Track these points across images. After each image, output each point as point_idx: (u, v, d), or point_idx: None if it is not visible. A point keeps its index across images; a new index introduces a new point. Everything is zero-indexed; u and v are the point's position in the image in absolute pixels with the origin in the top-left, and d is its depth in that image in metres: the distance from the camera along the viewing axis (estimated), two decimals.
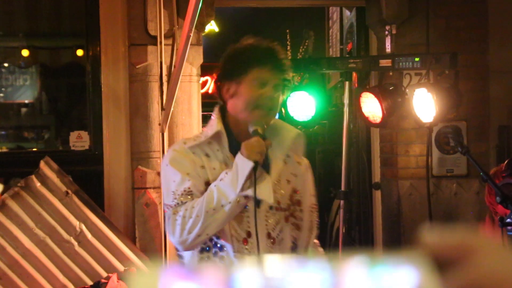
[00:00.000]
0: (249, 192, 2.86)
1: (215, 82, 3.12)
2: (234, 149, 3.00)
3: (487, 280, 0.74)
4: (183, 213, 2.93)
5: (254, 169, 2.84)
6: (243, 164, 2.87)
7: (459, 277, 0.74)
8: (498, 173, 4.14)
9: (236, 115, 3.02)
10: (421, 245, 0.78)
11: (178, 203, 2.96)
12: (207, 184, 2.97)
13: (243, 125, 2.98)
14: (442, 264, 0.76)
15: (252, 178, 2.86)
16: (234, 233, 2.99)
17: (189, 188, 2.95)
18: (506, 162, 4.07)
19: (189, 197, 2.95)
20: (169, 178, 3.01)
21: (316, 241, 3.29)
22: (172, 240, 3.00)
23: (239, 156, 2.90)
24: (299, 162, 3.16)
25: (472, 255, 0.76)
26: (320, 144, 8.07)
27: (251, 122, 2.95)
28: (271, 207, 3.02)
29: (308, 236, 3.21)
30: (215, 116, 3.07)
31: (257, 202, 2.99)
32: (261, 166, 2.98)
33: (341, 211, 5.32)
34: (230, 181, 2.88)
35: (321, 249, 3.34)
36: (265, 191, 2.91)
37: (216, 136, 3.02)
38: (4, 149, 7.73)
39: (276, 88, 2.97)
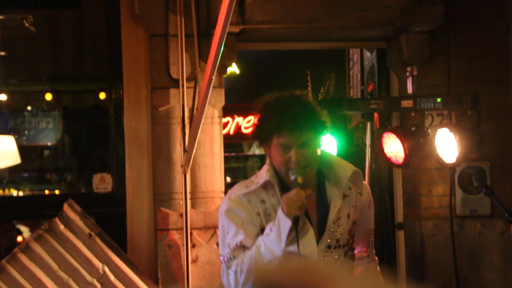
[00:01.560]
0: (293, 248, 2.90)
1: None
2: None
3: None
4: (235, 268, 3.01)
5: (295, 225, 2.86)
6: (283, 222, 2.90)
7: None
8: None
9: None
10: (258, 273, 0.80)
11: (230, 258, 3.00)
12: (263, 230, 3.01)
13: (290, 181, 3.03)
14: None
15: (294, 234, 2.88)
16: None
17: (241, 242, 3.00)
18: None
19: (241, 250, 2.99)
20: (224, 229, 3.06)
21: (375, 258, 3.39)
22: None
23: (280, 211, 2.93)
24: (361, 193, 3.20)
25: (316, 283, 0.76)
26: None
27: (291, 170, 2.98)
28: (329, 246, 3.04)
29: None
30: (266, 165, 3.12)
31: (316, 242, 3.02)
32: (319, 207, 3.01)
33: None
34: (275, 237, 2.92)
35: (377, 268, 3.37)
36: (309, 246, 2.95)
37: (267, 185, 3.06)
38: (28, 192, 7.80)
39: (303, 146, 3.00)
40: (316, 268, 0.78)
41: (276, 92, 3.12)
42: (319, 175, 3.10)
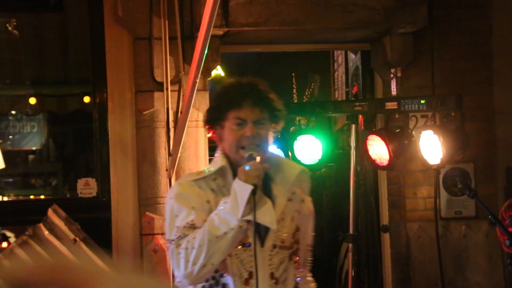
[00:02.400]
0: (250, 216, 2.87)
1: (207, 128, 3.18)
2: None
3: None
4: (185, 245, 2.93)
5: (253, 193, 2.84)
6: (241, 189, 2.88)
7: None
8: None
9: (230, 156, 3.05)
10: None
11: (180, 236, 2.95)
12: None
13: (240, 163, 3.00)
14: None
15: (252, 203, 2.86)
16: (237, 272, 2.99)
17: (192, 221, 2.96)
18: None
19: (192, 229, 2.95)
20: (174, 213, 3.02)
21: (310, 278, 3.29)
22: (177, 274, 2.99)
23: (236, 181, 2.91)
24: (303, 200, 3.18)
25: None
26: (327, 187, 8.06)
27: (246, 147, 2.97)
28: (275, 246, 3.03)
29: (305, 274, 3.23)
30: (219, 153, 3.10)
31: (261, 241, 2.99)
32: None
33: (350, 254, 5.29)
34: (231, 207, 2.88)
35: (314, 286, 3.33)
36: (267, 215, 2.92)
37: (220, 172, 3.05)
38: (12, 197, 7.75)
39: (258, 124, 3.00)
40: (73, 266, 0.76)
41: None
42: (264, 176, 3.05)
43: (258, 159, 2.93)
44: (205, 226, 2.92)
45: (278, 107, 3.09)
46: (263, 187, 3.05)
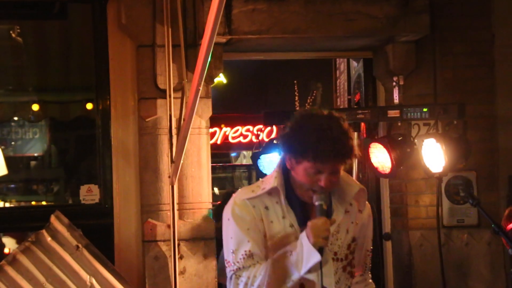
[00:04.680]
0: (312, 277, 2.94)
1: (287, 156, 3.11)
2: (292, 203, 3.05)
3: None
4: (245, 280, 3.00)
5: (320, 253, 2.88)
6: (309, 252, 2.91)
7: None
8: None
9: (294, 185, 3.06)
10: None
11: (240, 268, 3.00)
12: (265, 236, 3.02)
13: (306, 199, 3.03)
14: None
15: (318, 264, 2.90)
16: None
17: (249, 251, 3.01)
18: None
19: (251, 260, 3.01)
20: (229, 234, 3.05)
21: (370, 280, 3.36)
22: None
23: (304, 238, 2.93)
24: (361, 211, 3.19)
25: None
26: None
27: (316, 195, 2.98)
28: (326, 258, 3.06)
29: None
30: (275, 171, 3.10)
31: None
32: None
33: None
34: (296, 261, 2.93)
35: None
36: (327, 276, 2.98)
37: (272, 191, 3.07)
38: (14, 203, 7.75)
39: (334, 173, 2.98)
40: None
41: (312, 108, 3.12)
42: None
43: (325, 219, 2.94)
44: (268, 268, 2.97)
45: (355, 146, 3.02)
46: None
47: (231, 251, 3.04)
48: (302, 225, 3.02)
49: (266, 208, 3.06)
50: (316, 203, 2.97)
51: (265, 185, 3.10)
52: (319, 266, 2.91)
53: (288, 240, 3.02)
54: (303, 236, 2.94)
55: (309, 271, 2.93)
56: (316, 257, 2.89)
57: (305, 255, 2.91)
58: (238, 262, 3.02)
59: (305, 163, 2.98)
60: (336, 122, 3.00)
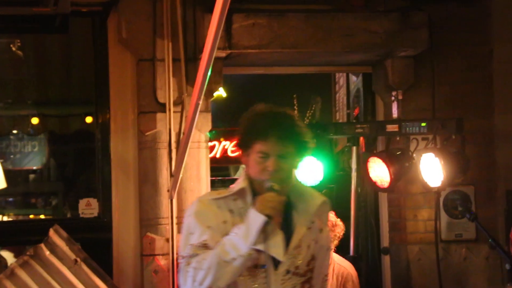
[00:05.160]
0: (260, 246, 2.89)
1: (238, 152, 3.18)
2: None
3: None
4: (195, 264, 2.96)
5: (266, 223, 2.87)
6: (255, 218, 2.90)
7: None
8: None
9: (253, 181, 3.07)
10: None
11: (191, 255, 2.98)
12: None
13: (261, 192, 3.02)
14: None
15: (265, 233, 2.88)
16: None
17: (205, 240, 2.98)
18: None
19: (204, 249, 2.97)
20: (189, 230, 3.04)
21: None
22: None
23: (252, 210, 2.93)
24: (321, 230, 3.18)
25: None
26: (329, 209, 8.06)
27: (267, 179, 2.99)
28: (288, 271, 3.04)
29: None
30: (242, 175, 3.13)
31: (275, 264, 3.01)
32: (283, 228, 3.01)
33: None
34: (243, 234, 2.91)
35: None
36: (276, 246, 2.95)
37: (240, 193, 3.07)
38: (13, 216, 7.75)
39: (282, 157, 3.00)
40: None
41: (264, 104, 3.15)
42: (286, 203, 3.07)
43: (274, 194, 2.95)
44: (216, 249, 2.94)
45: (305, 139, 3.06)
46: (285, 214, 3.06)
47: (189, 244, 3.00)
48: None
49: (231, 211, 3.05)
50: (267, 186, 2.96)
51: (232, 188, 3.11)
52: (267, 237, 2.87)
53: None
54: (251, 209, 2.95)
55: (257, 243, 2.88)
56: (260, 219, 2.87)
57: (250, 223, 2.90)
58: (191, 250, 2.99)
59: (253, 150, 3.01)
60: (285, 111, 3.06)
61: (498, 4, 6.12)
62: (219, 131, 7.95)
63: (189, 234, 3.04)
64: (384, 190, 5.61)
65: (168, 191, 5.61)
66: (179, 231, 5.65)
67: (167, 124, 5.67)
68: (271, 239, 2.92)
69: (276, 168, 2.98)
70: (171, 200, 5.60)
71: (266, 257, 2.99)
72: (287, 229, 3.06)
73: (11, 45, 6.58)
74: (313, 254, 3.13)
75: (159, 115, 5.70)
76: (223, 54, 5.67)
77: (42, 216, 8.38)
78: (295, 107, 8.60)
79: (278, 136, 3.00)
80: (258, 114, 3.09)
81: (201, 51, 5.28)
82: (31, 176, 8.81)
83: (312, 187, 5.65)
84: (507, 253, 3.76)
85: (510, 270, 3.70)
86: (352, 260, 5.35)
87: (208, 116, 5.80)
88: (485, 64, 6.12)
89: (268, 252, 2.92)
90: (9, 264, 5.77)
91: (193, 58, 5.71)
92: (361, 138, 6.12)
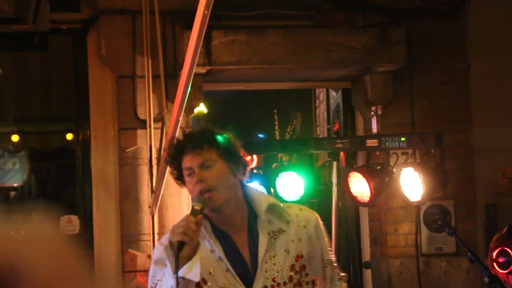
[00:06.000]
0: (181, 272, 2.77)
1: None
2: (218, 235, 2.98)
3: None
4: None
5: (179, 250, 2.73)
6: (168, 249, 2.81)
7: None
8: (500, 237, 4.05)
9: None
10: None
11: None
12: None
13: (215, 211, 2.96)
14: None
15: (186, 258, 2.77)
16: None
17: (159, 279, 2.91)
18: (508, 226, 4.02)
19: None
20: (151, 276, 2.99)
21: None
22: None
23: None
24: (304, 225, 3.07)
25: None
26: None
27: (192, 200, 2.92)
28: (265, 287, 2.93)
29: None
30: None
31: (248, 284, 2.94)
32: (250, 246, 2.95)
33: None
34: (170, 266, 2.81)
35: None
36: (192, 270, 2.79)
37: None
38: None
39: (204, 167, 2.92)
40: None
41: None
42: (250, 212, 3.00)
43: (189, 216, 2.84)
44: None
45: (226, 140, 2.98)
46: (249, 225, 3.00)
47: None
48: (231, 257, 2.95)
49: (204, 237, 2.95)
50: (191, 205, 2.89)
51: None
52: (176, 261, 2.76)
53: (216, 275, 2.94)
54: None
55: (182, 271, 2.78)
56: (172, 251, 2.77)
57: (168, 253, 2.80)
58: None
59: (181, 170, 2.95)
60: (199, 127, 3.05)
61: (475, 19, 6.19)
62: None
63: (151, 277, 2.97)
64: (364, 204, 5.64)
65: (149, 207, 5.61)
66: None
67: (147, 141, 5.68)
68: (189, 263, 2.78)
69: (200, 178, 2.90)
70: (152, 217, 5.60)
71: (232, 281, 2.93)
72: (254, 240, 2.99)
73: None
74: (298, 254, 3.02)
75: (139, 132, 5.71)
76: (203, 70, 5.70)
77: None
78: (275, 122, 8.63)
79: (192, 146, 2.93)
80: (175, 143, 3.07)
81: (181, 67, 5.30)
82: (12, 193, 8.76)
83: (294, 202, 5.70)
84: (485, 266, 3.79)
85: (489, 284, 3.74)
86: None
87: None
88: (463, 78, 6.18)
89: (186, 277, 2.78)
90: None
91: (173, 74, 5.73)
92: (342, 153, 6.15)
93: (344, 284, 3.22)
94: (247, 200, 3.05)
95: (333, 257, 3.18)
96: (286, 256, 3.00)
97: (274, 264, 2.98)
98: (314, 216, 3.15)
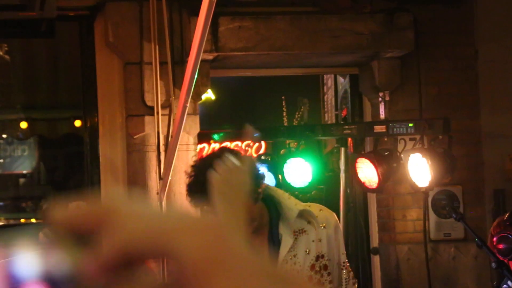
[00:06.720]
0: None
1: None
2: None
3: (137, 238, 0.69)
4: None
5: None
6: None
7: (107, 246, 0.68)
8: (501, 223, 4.05)
9: None
10: (54, 223, 0.71)
11: None
12: None
13: None
14: (83, 237, 0.69)
15: None
16: None
17: None
18: (509, 212, 4.00)
19: None
20: None
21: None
22: None
23: None
24: (324, 226, 3.09)
25: (110, 220, 0.68)
26: None
27: None
28: None
29: None
30: None
31: None
32: (270, 245, 2.96)
33: None
34: None
35: None
36: None
37: None
38: (3, 221, 7.75)
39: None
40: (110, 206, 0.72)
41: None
42: (271, 213, 3.02)
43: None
44: None
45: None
46: (270, 225, 3.02)
47: None
48: None
49: None
50: None
51: None
52: None
53: None
54: None
55: None
56: None
57: None
58: None
59: None
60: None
61: (483, 5, 6.16)
62: (208, 133, 7.98)
63: None
64: (372, 190, 5.64)
65: (157, 194, 5.61)
66: None
67: (155, 127, 5.68)
68: None
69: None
70: (161, 203, 5.60)
71: None
72: (273, 240, 3.01)
73: None
74: (318, 254, 3.04)
75: (147, 118, 5.72)
76: (210, 56, 5.69)
77: (32, 220, 8.39)
78: (283, 109, 8.63)
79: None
80: None
81: (188, 54, 5.29)
82: (21, 180, 8.81)
83: (301, 188, 5.71)
84: (492, 252, 3.79)
85: (496, 269, 3.73)
86: None
87: (196, 119, 5.81)
88: (471, 65, 6.16)
89: None
90: None
91: (180, 61, 5.72)
92: (349, 139, 6.15)
93: None
94: (268, 201, 3.05)
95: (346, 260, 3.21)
96: (306, 256, 3.04)
97: (295, 264, 3.01)
98: (334, 218, 3.19)
